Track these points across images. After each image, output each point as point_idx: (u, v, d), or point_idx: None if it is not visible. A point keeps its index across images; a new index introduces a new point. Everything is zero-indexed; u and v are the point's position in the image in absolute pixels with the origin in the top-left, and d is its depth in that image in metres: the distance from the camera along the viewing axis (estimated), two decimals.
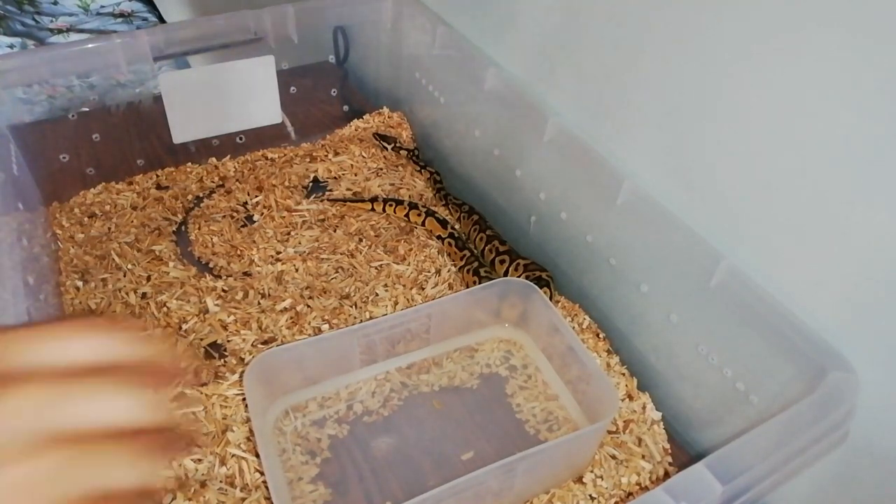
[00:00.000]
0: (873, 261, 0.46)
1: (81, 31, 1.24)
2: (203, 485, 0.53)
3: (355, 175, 0.89)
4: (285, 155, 0.92)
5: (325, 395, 0.62)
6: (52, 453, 0.22)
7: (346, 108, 1.00)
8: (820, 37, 0.45)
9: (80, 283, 0.71)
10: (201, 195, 0.85)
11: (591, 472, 0.56)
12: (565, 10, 0.66)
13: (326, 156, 0.92)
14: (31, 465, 0.22)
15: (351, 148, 0.93)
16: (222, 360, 0.64)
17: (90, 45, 0.74)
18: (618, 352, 0.67)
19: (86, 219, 0.80)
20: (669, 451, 0.59)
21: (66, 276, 0.72)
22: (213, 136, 0.88)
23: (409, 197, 0.86)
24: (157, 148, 0.89)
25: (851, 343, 0.48)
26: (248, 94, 0.85)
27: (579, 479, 0.56)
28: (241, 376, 0.62)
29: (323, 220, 0.81)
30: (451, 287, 0.73)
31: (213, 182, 0.87)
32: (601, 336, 0.68)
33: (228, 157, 0.91)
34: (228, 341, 0.66)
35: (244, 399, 0.59)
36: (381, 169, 0.91)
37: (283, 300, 0.70)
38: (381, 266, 0.74)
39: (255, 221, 0.81)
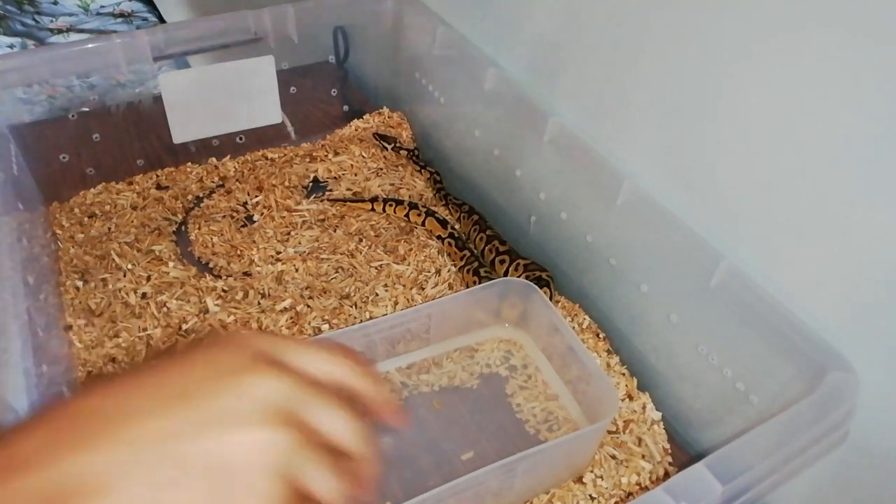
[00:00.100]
0: (873, 261, 0.46)
1: (81, 31, 1.24)
2: None
3: (355, 175, 0.89)
4: (285, 155, 0.93)
5: None
6: (290, 433, 0.26)
7: (346, 108, 1.00)
8: (820, 37, 0.45)
9: (80, 283, 0.71)
10: (201, 195, 0.85)
11: (591, 472, 0.56)
12: (565, 11, 0.66)
13: (326, 156, 0.92)
14: (274, 433, 0.26)
15: (351, 148, 0.93)
16: None
17: (90, 45, 0.74)
18: (618, 352, 0.67)
19: (86, 219, 0.80)
20: (669, 451, 0.59)
21: (66, 276, 0.72)
22: (213, 136, 0.88)
23: (409, 197, 0.86)
24: (157, 148, 0.89)
25: (851, 343, 0.48)
26: (248, 94, 0.85)
27: (579, 479, 0.56)
28: None
29: (323, 220, 0.81)
30: (451, 287, 0.73)
31: (213, 182, 0.87)
32: (601, 336, 0.68)
33: (228, 157, 0.91)
34: None
35: None
36: (381, 169, 0.91)
37: (283, 300, 0.70)
38: (381, 266, 0.74)
39: (255, 221, 0.81)
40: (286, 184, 0.87)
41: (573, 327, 0.68)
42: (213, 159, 0.90)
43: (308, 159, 0.92)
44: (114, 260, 0.73)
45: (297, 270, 0.74)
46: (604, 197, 0.63)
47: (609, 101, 0.65)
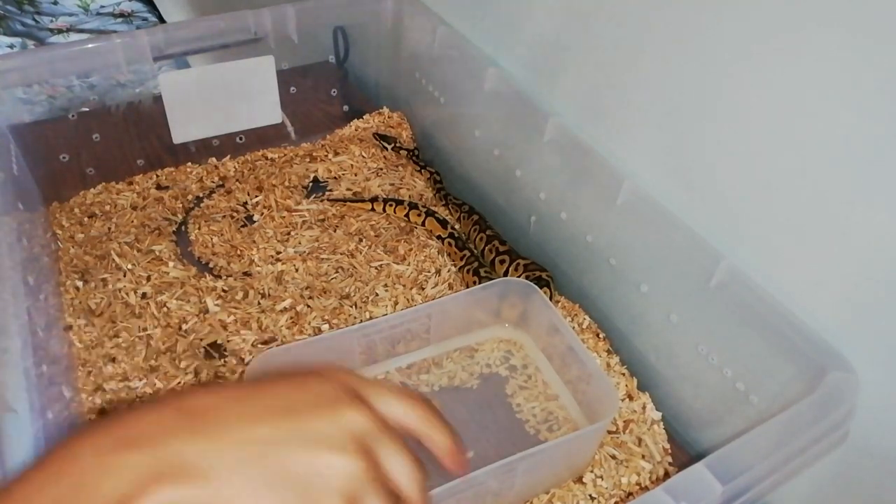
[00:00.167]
0: (873, 261, 0.46)
1: (81, 31, 1.24)
2: None
3: (355, 175, 0.89)
4: (285, 155, 0.92)
5: None
6: (366, 464, 0.29)
7: (346, 108, 1.00)
8: (820, 37, 0.45)
9: (80, 283, 0.71)
10: (201, 195, 0.85)
11: (591, 472, 0.56)
12: (565, 11, 0.66)
13: (326, 156, 0.92)
14: (353, 462, 0.28)
15: (351, 148, 0.93)
16: (222, 361, 0.64)
17: (90, 45, 0.74)
18: (618, 352, 0.67)
19: (86, 219, 0.80)
20: (669, 451, 0.59)
21: (66, 276, 0.72)
22: (213, 136, 0.88)
23: (409, 197, 0.86)
24: (157, 148, 0.89)
25: (851, 343, 0.48)
26: (248, 94, 0.85)
27: (579, 479, 0.56)
28: (241, 376, 0.62)
29: (323, 220, 0.81)
30: (451, 287, 0.73)
31: (213, 182, 0.87)
32: (601, 336, 0.68)
33: (228, 157, 0.91)
34: (228, 341, 0.66)
35: None
36: (381, 169, 0.91)
37: (283, 300, 0.70)
38: (381, 266, 0.74)
39: (255, 221, 0.81)
40: (286, 184, 0.87)
41: (573, 327, 0.68)
42: (213, 159, 0.90)
43: (308, 159, 0.92)
44: (114, 260, 0.73)
45: (297, 270, 0.74)
46: (604, 197, 0.63)
47: (609, 101, 0.65)
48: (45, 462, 0.27)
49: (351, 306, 0.70)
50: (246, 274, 0.73)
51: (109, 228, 0.78)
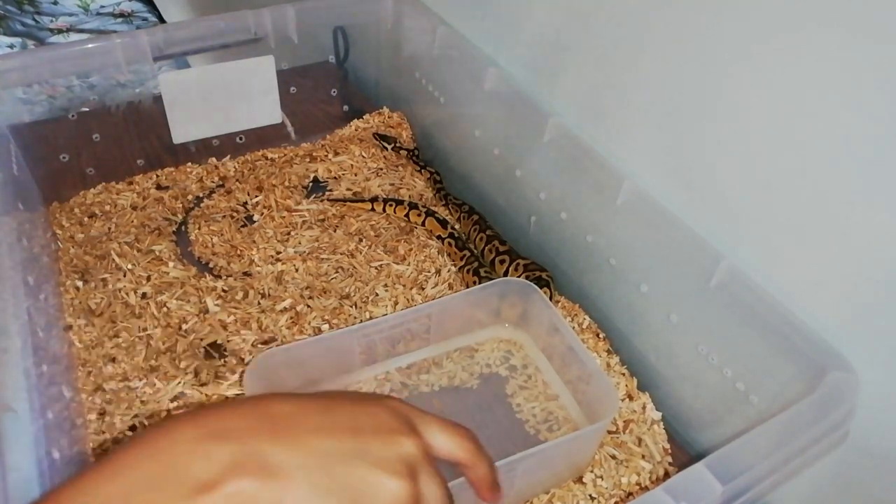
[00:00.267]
0: (873, 261, 0.46)
1: (81, 31, 1.24)
2: None
3: (355, 175, 0.89)
4: (285, 155, 0.92)
5: None
6: (414, 489, 0.32)
7: (346, 108, 1.00)
8: (820, 37, 0.45)
9: (80, 283, 0.71)
10: (201, 195, 0.85)
11: (591, 472, 0.56)
12: (565, 11, 0.66)
13: (326, 156, 0.92)
14: (404, 485, 0.31)
15: (351, 148, 0.93)
16: (222, 360, 0.64)
17: (90, 45, 0.74)
18: (618, 352, 0.67)
19: (86, 219, 0.80)
20: (669, 451, 0.59)
21: (66, 276, 0.72)
22: (213, 136, 0.88)
23: (409, 197, 0.86)
24: (157, 148, 0.89)
25: (851, 343, 0.48)
26: (248, 94, 0.85)
27: (579, 479, 0.56)
28: (241, 376, 0.62)
29: (323, 220, 0.81)
30: (451, 287, 0.73)
31: (213, 182, 0.87)
32: (601, 336, 0.68)
33: (228, 157, 0.91)
34: (228, 341, 0.66)
35: None
36: (381, 169, 0.91)
37: (283, 300, 0.70)
38: (381, 266, 0.74)
39: (255, 221, 0.81)
40: (286, 184, 0.87)
41: (573, 327, 0.68)
42: (213, 159, 0.90)
43: (308, 159, 0.92)
44: (114, 260, 0.73)
45: (297, 270, 0.74)
46: (604, 197, 0.63)
47: (609, 101, 0.65)
48: (144, 440, 0.30)
49: (351, 306, 0.70)
50: (246, 274, 0.73)
51: (109, 228, 0.78)
